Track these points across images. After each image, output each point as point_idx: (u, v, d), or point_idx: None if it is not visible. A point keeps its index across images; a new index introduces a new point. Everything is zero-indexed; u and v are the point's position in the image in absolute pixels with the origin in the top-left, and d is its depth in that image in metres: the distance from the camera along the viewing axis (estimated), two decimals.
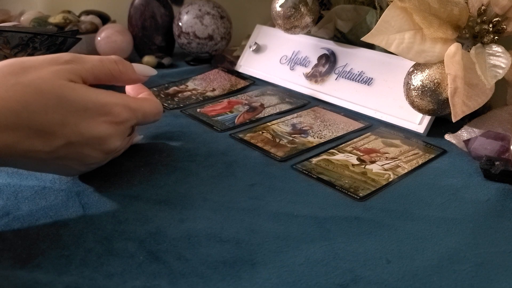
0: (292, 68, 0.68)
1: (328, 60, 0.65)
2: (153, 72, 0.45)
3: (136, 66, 0.43)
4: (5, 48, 0.56)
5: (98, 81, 0.39)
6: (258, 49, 0.73)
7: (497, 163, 0.43)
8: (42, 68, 0.35)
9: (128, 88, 0.47)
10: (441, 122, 0.54)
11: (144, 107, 0.41)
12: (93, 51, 0.78)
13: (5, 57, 0.37)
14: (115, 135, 0.39)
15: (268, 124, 0.56)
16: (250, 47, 0.73)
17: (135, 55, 0.82)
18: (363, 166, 0.46)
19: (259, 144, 0.51)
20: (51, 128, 0.34)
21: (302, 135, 0.53)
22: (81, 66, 0.37)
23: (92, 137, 0.36)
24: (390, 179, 0.44)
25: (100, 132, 0.37)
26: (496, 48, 0.45)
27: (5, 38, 0.54)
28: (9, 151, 0.33)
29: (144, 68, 0.44)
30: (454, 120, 0.45)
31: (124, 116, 0.38)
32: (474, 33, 0.48)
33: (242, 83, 0.70)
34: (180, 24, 0.76)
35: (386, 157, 0.48)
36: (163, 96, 0.65)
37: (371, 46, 0.59)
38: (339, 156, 0.48)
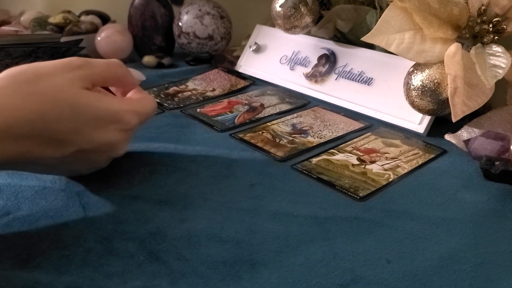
0: (292, 68, 0.68)
1: (328, 60, 0.65)
2: (143, 77, 0.45)
3: (130, 70, 0.43)
4: (7, 59, 0.55)
5: (105, 84, 0.40)
6: (258, 49, 0.73)
7: (497, 163, 0.43)
8: (56, 75, 0.35)
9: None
10: (441, 122, 0.54)
11: (147, 108, 0.41)
12: (93, 51, 0.78)
13: (7, 66, 0.36)
14: (124, 141, 0.39)
15: (268, 124, 0.56)
16: (250, 47, 0.73)
17: (135, 55, 0.82)
18: (363, 166, 0.46)
19: (259, 144, 0.51)
20: (63, 136, 0.34)
21: (302, 135, 0.53)
22: (91, 71, 0.37)
23: (102, 144, 0.37)
24: (390, 179, 0.44)
25: (111, 139, 0.37)
26: (496, 48, 0.45)
27: (7, 51, 0.53)
28: (20, 158, 0.34)
29: (135, 73, 0.44)
30: (454, 120, 0.45)
31: (134, 123, 0.39)
32: (474, 33, 0.48)
33: (242, 83, 0.70)
34: (180, 24, 0.76)
35: (386, 157, 0.48)
36: (163, 96, 0.65)
37: (371, 46, 0.59)
38: (339, 156, 0.48)
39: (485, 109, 0.51)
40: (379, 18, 0.47)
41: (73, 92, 0.35)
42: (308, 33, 0.67)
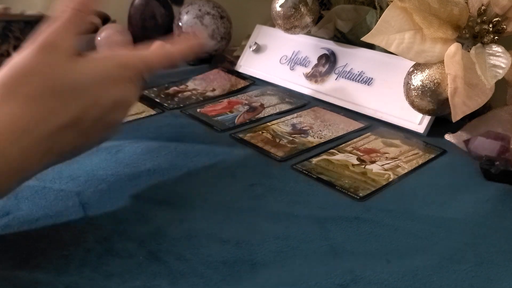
0: (292, 68, 0.68)
1: (328, 60, 0.65)
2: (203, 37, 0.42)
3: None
4: None
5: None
6: (258, 49, 0.73)
7: (497, 163, 0.43)
8: (41, 66, 0.34)
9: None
10: (441, 122, 0.54)
11: (144, 58, 0.40)
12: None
13: None
14: (128, 93, 0.39)
15: (268, 124, 0.56)
16: (250, 47, 0.73)
17: None
18: (363, 166, 0.46)
19: (259, 144, 0.51)
20: (76, 115, 0.34)
21: (302, 135, 0.53)
22: (68, 43, 0.36)
23: (109, 104, 0.37)
24: (390, 179, 0.44)
25: (116, 96, 0.37)
26: (496, 48, 0.45)
27: None
28: (49, 153, 0.34)
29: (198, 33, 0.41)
30: (454, 120, 0.45)
31: (129, 74, 0.38)
32: (474, 33, 0.48)
33: (242, 83, 0.70)
34: (180, 24, 0.76)
35: (386, 157, 0.48)
36: (163, 96, 0.65)
37: (371, 46, 0.59)
38: (339, 156, 0.48)
39: (485, 109, 0.51)
40: (379, 18, 0.47)
41: (68, 73, 0.34)
42: (308, 33, 0.67)
